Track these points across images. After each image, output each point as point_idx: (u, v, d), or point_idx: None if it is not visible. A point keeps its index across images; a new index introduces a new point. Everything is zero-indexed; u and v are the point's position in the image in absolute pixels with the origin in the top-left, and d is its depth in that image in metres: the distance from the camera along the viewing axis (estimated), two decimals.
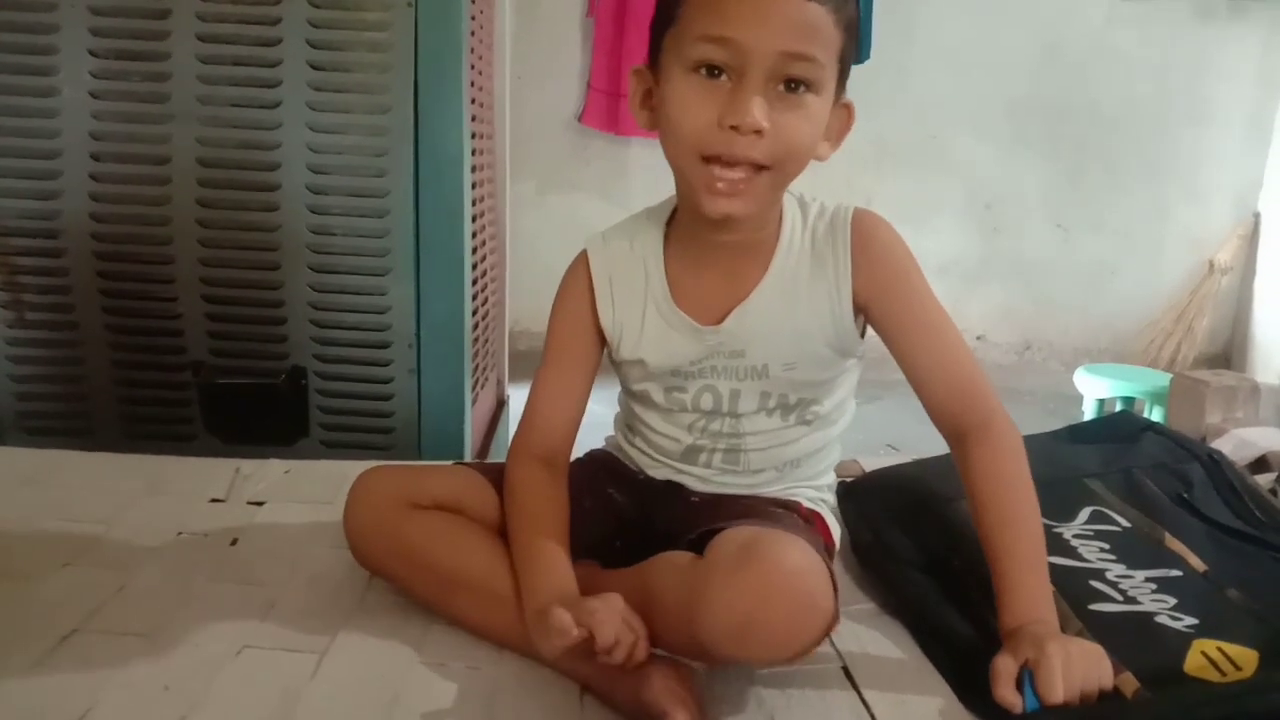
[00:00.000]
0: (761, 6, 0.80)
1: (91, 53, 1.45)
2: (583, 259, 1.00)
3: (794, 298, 0.93)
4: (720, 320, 0.94)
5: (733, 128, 0.81)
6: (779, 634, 0.75)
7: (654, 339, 0.96)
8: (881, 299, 0.92)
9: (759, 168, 0.83)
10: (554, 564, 0.87)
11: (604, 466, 1.03)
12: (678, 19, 0.84)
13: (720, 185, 0.83)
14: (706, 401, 0.96)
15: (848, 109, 0.91)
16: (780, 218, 0.94)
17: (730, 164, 0.83)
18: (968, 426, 0.90)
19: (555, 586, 0.85)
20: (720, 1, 0.81)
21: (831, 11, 0.82)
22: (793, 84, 0.82)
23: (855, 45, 0.88)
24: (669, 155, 0.88)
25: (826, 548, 0.96)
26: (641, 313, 0.97)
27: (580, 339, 0.99)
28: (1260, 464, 1.31)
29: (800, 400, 0.96)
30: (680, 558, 0.84)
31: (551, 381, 1.00)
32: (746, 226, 0.91)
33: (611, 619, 0.76)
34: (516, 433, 1.00)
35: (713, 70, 0.82)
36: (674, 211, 0.98)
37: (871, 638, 0.96)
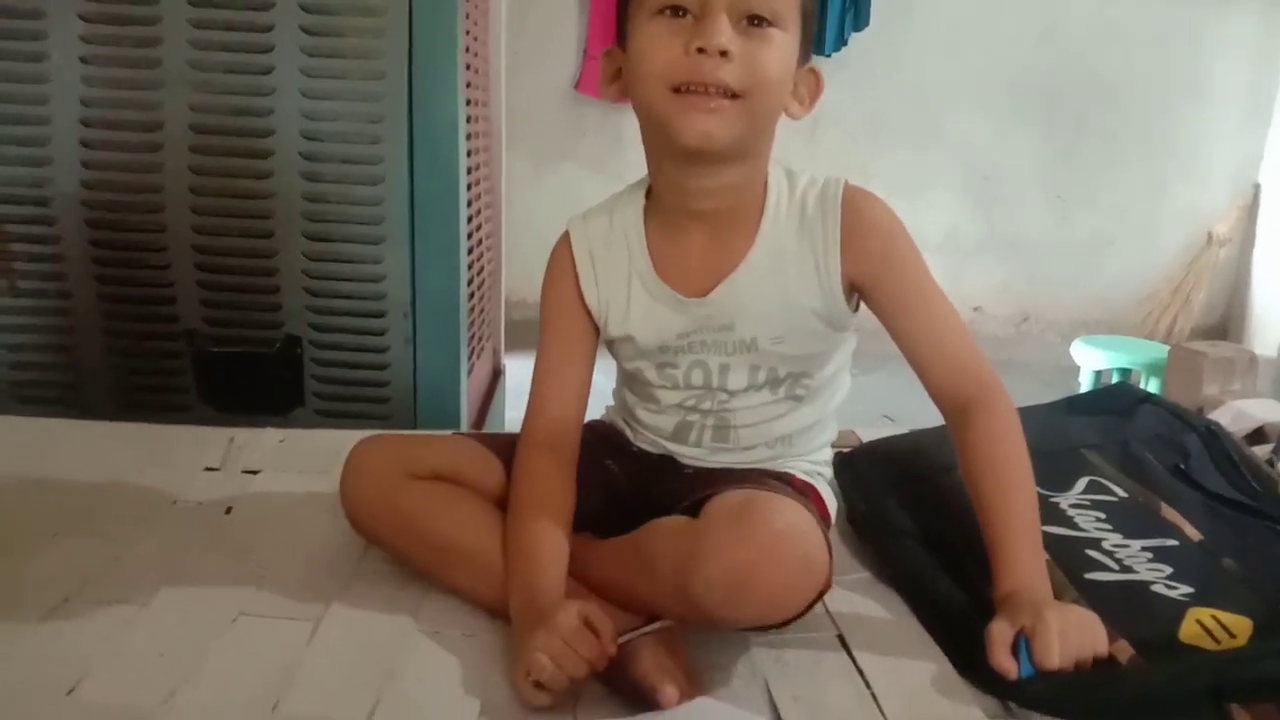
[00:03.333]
0: None
1: (81, 17, 1.42)
2: (565, 240, 0.99)
3: (782, 269, 0.92)
4: (706, 293, 0.93)
5: (700, 50, 0.81)
6: (773, 591, 0.76)
7: (641, 314, 0.95)
8: (877, 278, 0.91)
9: (731, 96, 0.83)
10: (542, 563, 0.86)
11: (602, 439, 1.03)
12: None
13: (697, 104, 0.82)
14: (697, 377, 0.96)
15: (814, 74, 0.92)
16: (765, 188, 0.93)
17: (702, 91, 0.83)
18: (966, 401, 0.90)
19: (541, 587, 0.84)
20: None
21: None
22: (756, 19, 0.83)
23: (815, 10, 0.89)
24: (641, 102, 0.87)
25: (822, 519, 0.96)
26: (626, 288, 0.96)
27: (572, 320, 0.98)
28: (1257, 435, 1.31)
29: (790, 374, 0.96)
30: (675, 521, 0.85)
31: (550, 367, 0.99)
32: (726, 185, 0.90)
33: (554, 657, 0.75)
34: (524, 421, 0.99)
35: (677, 11, 0.83)
36: (651, 188, 0.97)
37: (866, 606, 0.96)
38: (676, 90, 0.83)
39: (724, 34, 0.81)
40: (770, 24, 0.83)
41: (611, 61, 0.91)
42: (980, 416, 0.89)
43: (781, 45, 0.85)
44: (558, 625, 0.77)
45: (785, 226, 0.92)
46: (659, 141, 0.90)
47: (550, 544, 0.88)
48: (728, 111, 0.83)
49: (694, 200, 0.91)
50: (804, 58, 0.89)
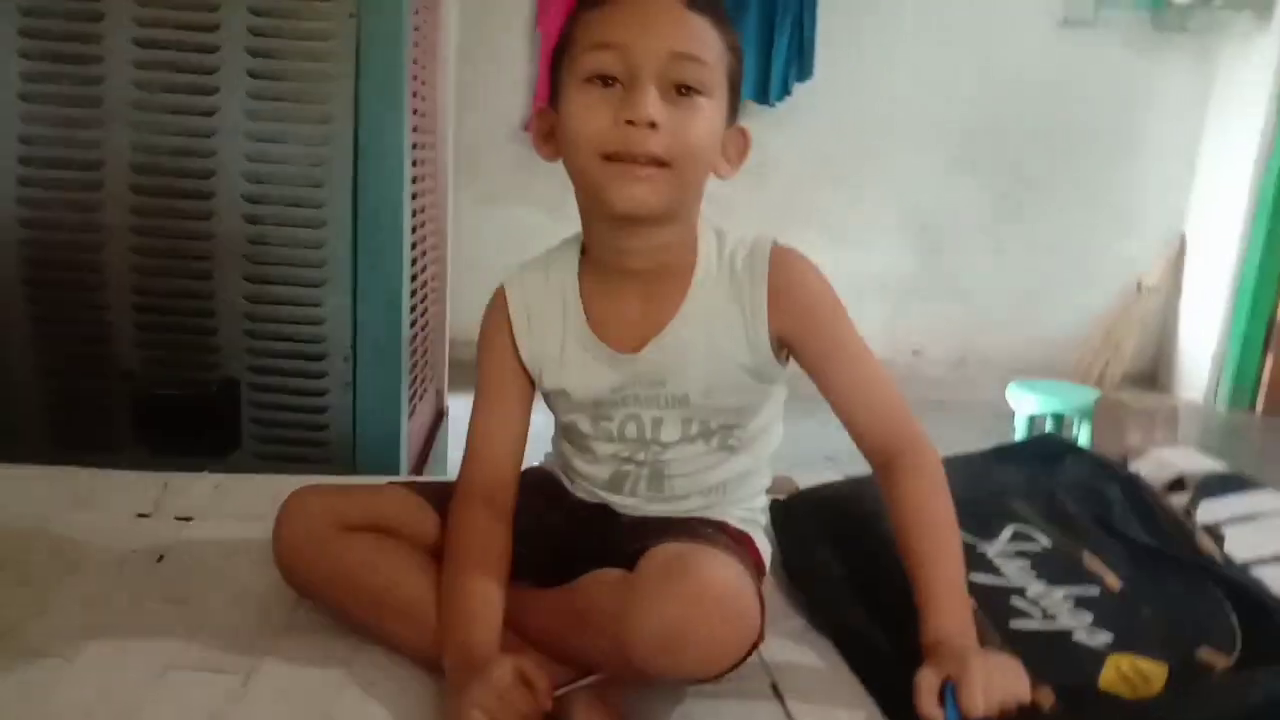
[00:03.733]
0: (647, 13, 0.86)
1: (22, 54, 1.41)
2: (500, 296, 1.00)
3: (711, 326, 0.94)
4: (639, 349, 0.95)
5: (629, 123, 0.84)
6: (706, 646, 0.77)
7: (574, 369, 0.97)
8: (802, 335, 0.94)
9: (660, 164, 0.85)
10: (477, 616, 0.86)
11: (539, 487, 1.03)
12: (571, 42, 0.89)
13: (627, 174, 0.85)
14: (631, 430, 0.97)
15: (743, 133, 0.95)
16: (695, 248, 0.95)
17: (631, 160, 0.85)
18: (892, 453, 0.93)
19: (476, 641, 0.84)
20: (607, 12, 0.86)
21: (713, 25, 0.88)
22: (683, 89, 0.86)
23: (741, 70, 0.92)
24: (573, 167, 0.90)
25: (756, 567, 0.97)
26: (561, 343, 0.97)
27: (508, 374, 0.99)
28: (1177, 484, 1.35)
29: (722, 426, 0.97)
30: (610, 574, 0.85)
31: (486, 420, 0.99)
32: (658, 245, 0.92)
33: (489, 713, 0.75)
34: (459, 472, 0.99)
35: (606, 80, 0.85)
36: (585, 247, 0.99)
37: (800, 653, 0.97)
38: (607, 158, 0.86)
39: (651, 106, 0.83)
40: (698, 92, 0.86)
41: (545, 121, 0.93)
42: (907, 472, 0.92)
43: (709, 113, 0.87)
44: (492, 680, 0.77)
45: (715, 285, 0.94)
46: (591, 204, 0.92)
47: (485, 597, 0.88)
48: (657, 179, 0.86)
49: (626, 260, 0.94)
50: (731, 118, 0.92)
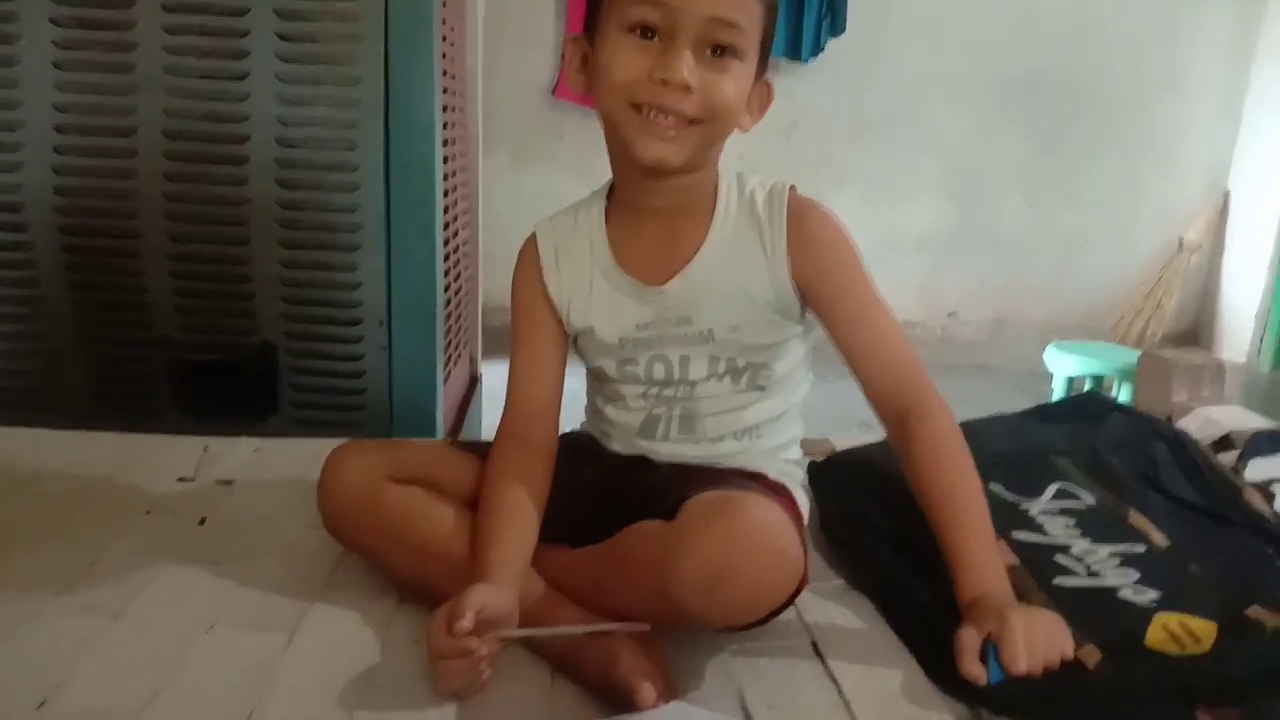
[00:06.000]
0: None
1: (53, 21, 1.41)
2: (531, 239, 1.03)
3: (735, 260, 0.95)
4: (664, 283, 0.96)
5: (663, 82, 0.85)
6: (749, 586, 0.77)
7: (602, 305, 0.98)
8: (817, 280, 0.95)
9: (689, 121, 0.87)
10: (493, 540, 0.88)
11: (577, 449, 1.04)
12: None
13: (654, 130, 0.87)
14: (659, 371, 0.98)
15: (767, 86, 0.96)
16: (716, 188, 0.97)
17: (661, 114, 0.86)
18: (904, 408, 0.92)
19: (482, 563, 0.86)
20: None
21: None
22: (718, 49, 0.87)
23: (775, 26, 0.93)
24: (603, 109, 0.91)
25: (795, 518, 0.97)
26: (589, 280, 0.99)
27: (540, 316, 1.01)
28: (1224, 442, 1.33)
29: (750, 364, 0.98)
30: (651, 525, 0.86)
31: (522, 364, 1.02)
32: (679, 187, 0.94)
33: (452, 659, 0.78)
34: (501, 418, 1.00)
35: (646, 31, 0.86)
36: (613, 186, 1.01)
37: (840, 613, 0.97)
38: (636, 106, 0.87)
39: (686, 68, 0.85)
40: (732, 55, 0.87)
41: (578, 48, 0.94)
42: (920, 425, 0.91)
43: (740, 75, 0.89)
44: (438, 612, 0.79)
45: (736, 220, 0.96)
46: (618, 149, 0.94)
47: (508, 527, 0.90)
48: (683, 138, 0.88)
49: (649, 198, 0.96)
50: (760, 74, 0.93)
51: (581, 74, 0.94)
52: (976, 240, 3.80)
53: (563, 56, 3.49)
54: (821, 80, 3.47)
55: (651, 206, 0.96)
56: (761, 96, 0.95)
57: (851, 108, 3.58)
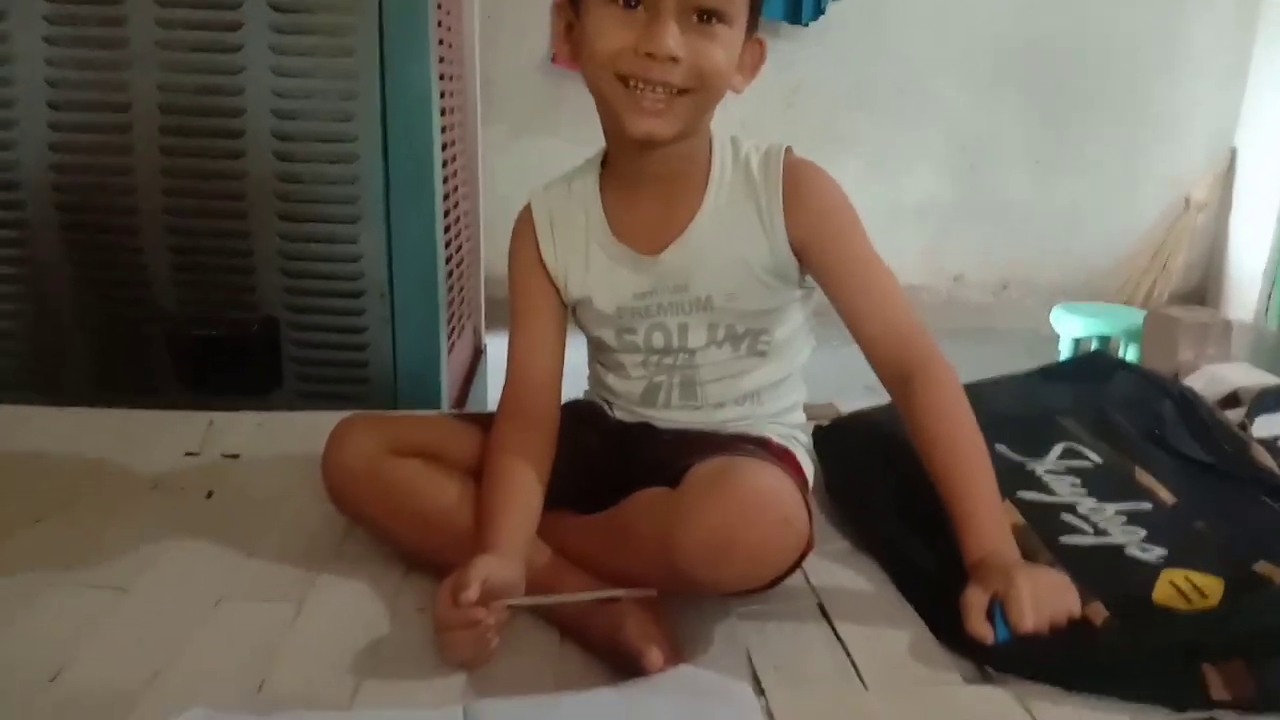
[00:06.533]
0: None
1: None
2: (526, 210, 1.02)
3: (730, 226, 0.94)
4: (660, 251, 0.95)
5: (649, 55, 0.83)
6: (754, 551, 0.77)
7: (598, 275, 0.97)
8: (816, 241, 0.93)
9: (679, 91, 0.86)
10: (497, 513, 0.88)
11: (581, 417, 1.03)
12: None
13: (644, 103, 0.85)
14: (658, 340, 0.98)
15: (760, 44, 0.93)
16: (710, 154, 0.95)
17: (649, 87, 0.85)
18: (908, 369, 0.91)
19: (487, 539, 0.85)
20: None
21: None
22: (704, 15, 0.84)
23: None
24: (590, 82, 0.89)
25: (800, 483, 0.97)
26: (585, 250, 0.98)
27: (538, 287, 1.00)
28: (1231, 399, 1.32)
29: (749, 330, 0.97)
30: (656, 492, 0.85)
31: (521, 336, 1.01)
32: (673, 155, 0.93)
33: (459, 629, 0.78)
34: (502, 391, 1.00)
35: (629, 1, 0.84)
36: (607, 154, 1.00)
37: (846, 575, 0.97)
38: (623, 79, 0.85)
39: (672, 39, 0.83)
40: (719, 19, 0.85)
41: (563, 15, 0.92)
42: (923, 386, 0.90)
43: (728, 40, 0.86)
44: (446, 582, 0.79)
45: (731, 186, 0.95)
46: (608, 117, 0.92)
47: (511, 497, 0.89)
48: (674, 109, 0.86)
49: (643, 166, 0.95)
50: (750, 34, 0.91)
51: (567, 43, 0.92)
52: (982, 206, 3.77)
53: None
54: (823, 48, 3.42)
55: (645, 175, 0.95)
56: (754, 55, 0.93)
57: (853, 75, 3.54)
